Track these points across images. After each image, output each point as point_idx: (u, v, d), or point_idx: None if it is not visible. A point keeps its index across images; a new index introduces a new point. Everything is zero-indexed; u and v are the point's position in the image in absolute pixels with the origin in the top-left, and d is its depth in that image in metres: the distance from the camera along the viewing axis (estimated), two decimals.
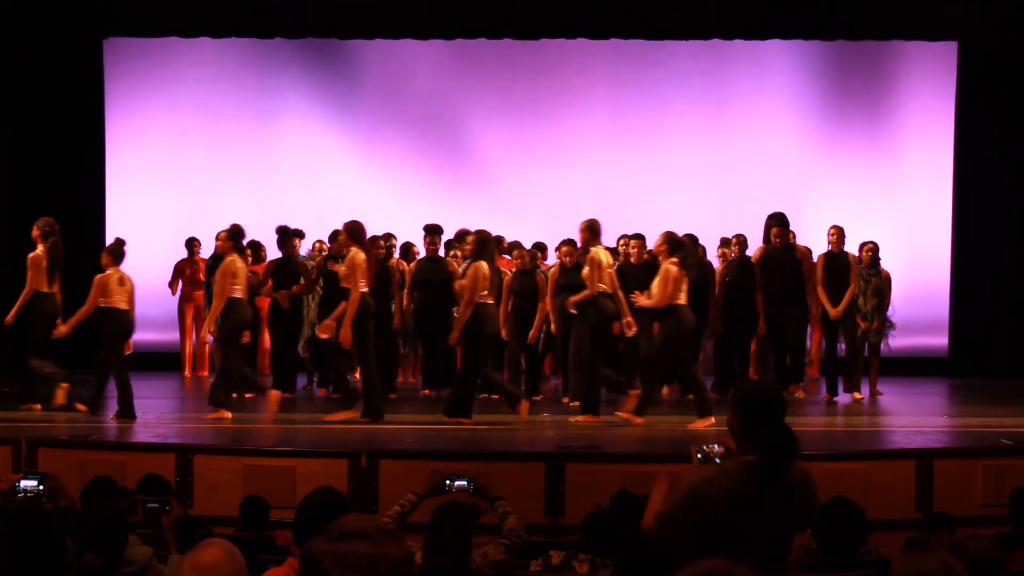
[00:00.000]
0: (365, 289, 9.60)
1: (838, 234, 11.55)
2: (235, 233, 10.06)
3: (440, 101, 14.95)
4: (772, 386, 4.34)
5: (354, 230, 9.77)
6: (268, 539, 5.80)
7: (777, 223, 11.37)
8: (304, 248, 12.21)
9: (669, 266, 9.56)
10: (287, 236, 11.48)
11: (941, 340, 14.57)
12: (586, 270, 9.83)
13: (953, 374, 14.15)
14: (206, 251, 13.55)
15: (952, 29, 14.47)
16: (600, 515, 4.77)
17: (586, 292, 9.70)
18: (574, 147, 14.89)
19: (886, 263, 11.86)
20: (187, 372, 13.65)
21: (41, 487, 5.28)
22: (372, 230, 11.00)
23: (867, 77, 14.87)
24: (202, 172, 14.83)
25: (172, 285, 13.57)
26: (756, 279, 11.36)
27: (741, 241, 11.87)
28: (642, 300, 9.75)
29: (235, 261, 9.84)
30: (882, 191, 14.61)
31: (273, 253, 11.93)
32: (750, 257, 11.68)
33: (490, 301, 9.63)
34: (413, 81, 14.90)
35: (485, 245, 9.66)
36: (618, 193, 14.75)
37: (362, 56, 14.92)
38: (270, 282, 11.38)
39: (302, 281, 11.37)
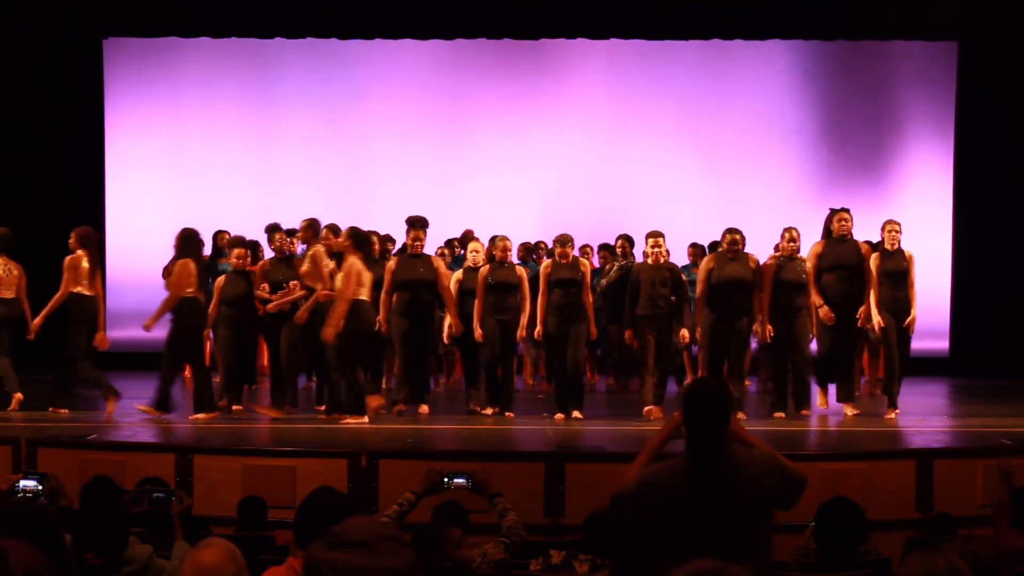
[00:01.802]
0: (85, 291, 9.88)
1: (897, 230, 10.15)
2: (2, 238, 10.15)
3: (440, 101, 14.96)
4: (713, 388, 4.32)
5: (82, 235, 9.98)
6: (268, 539, 5.80)
7: (840, 210, 10.19)
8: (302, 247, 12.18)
9: (353, 261, 9.52)
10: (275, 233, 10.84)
11: (942, 340, 14.57)
12: (306, 267, 9.89)
13: (953, 374, 14.15)
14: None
15: (952, 29, 14.47)
16: (601, 515, 4.76)
17: (319, 292, 9.73)
18: (573, 147, 14.90)
19: None
20: (187, 372, 13.61)
21: (41, 487, 5.28)
22: (369, 229, 10.95)
23: (867, 77, 14.88)
24: (201, 172, 14.85)
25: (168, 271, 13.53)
26: (809, 279, 10.05)
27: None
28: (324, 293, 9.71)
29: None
30: (882, 191, 14.61)
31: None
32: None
33: (198, 296, 9.80)
34: (413, 81, 14.90)
35: (188, 242, 9.81)
36: (617, 193, 14.76)
37: (362, 56, 14.92)
38: (266, 285, 10.45)
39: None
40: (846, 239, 10.12)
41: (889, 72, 14.90)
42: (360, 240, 9.72)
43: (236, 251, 10.43)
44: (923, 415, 10.22)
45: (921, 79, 14.82)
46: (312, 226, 10.09)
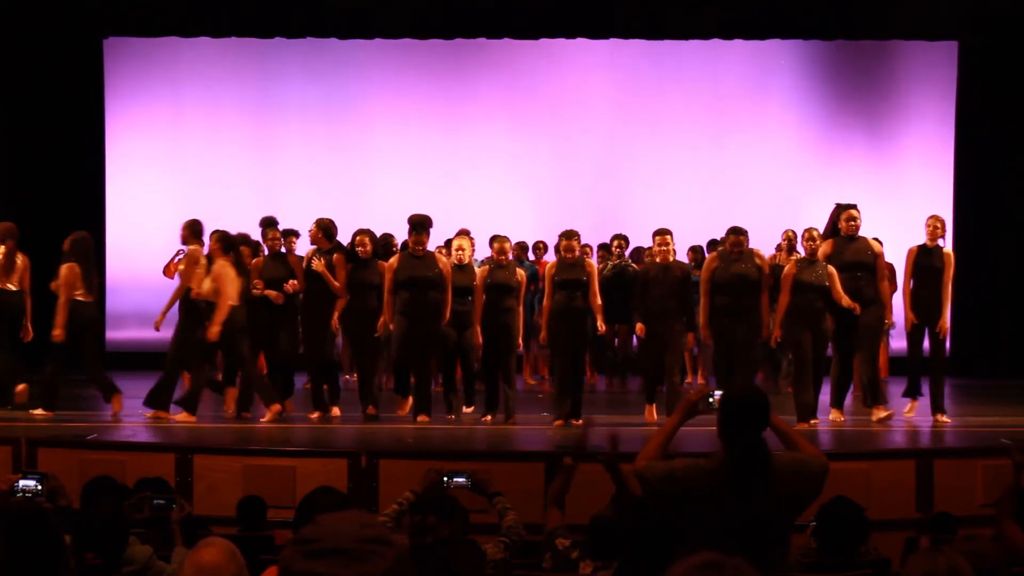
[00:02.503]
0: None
1: (937, 226, 9.79)
2: None
3: (440, 101, 14.96)
4: (756, 393, 4.30)
5: None
6: (268, 539, 5.81)
7: (848, 207, 9.85)
8: (302, 248, 12.12)
9: (223, 264, 9.63)
10: (270, 227, 10.53)
11: None
12: (181, 267, 10.06)
13: (953, 374, 14.12)
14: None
15: (952, 29, 14.47)
16: (605, 519, 4.76)
17: (183, 292, 9.84)
18: (573, 147, 14.90)
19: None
20: (187, 371, 13.58)
21: (40, 487, 5.28)
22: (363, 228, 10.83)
23: (867, 77, 14.89)
24: (202, 171, 14.84)
25: (168, 269, 13.46)
26: (834, 281, 9.60)
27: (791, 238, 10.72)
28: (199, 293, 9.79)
29: None
30: (882, 191, 14.60)
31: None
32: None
33: (88, 299, 9.94)
34: (413, 81, 14.90)
35: (76, 245, 10.00)
36: (617, 193, 14.77)
37: (362, 56, 14.92)
38: (259, 282, 10.10)
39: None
40: (855, 237, 9.83)
41: (889, 72, 14.90)
42: (228, 243, 9.80)
43: None
44: (923, 415, 10.21)
45: (921, 79, 14.82)
46: (190, 227, 10.14)
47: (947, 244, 9.97)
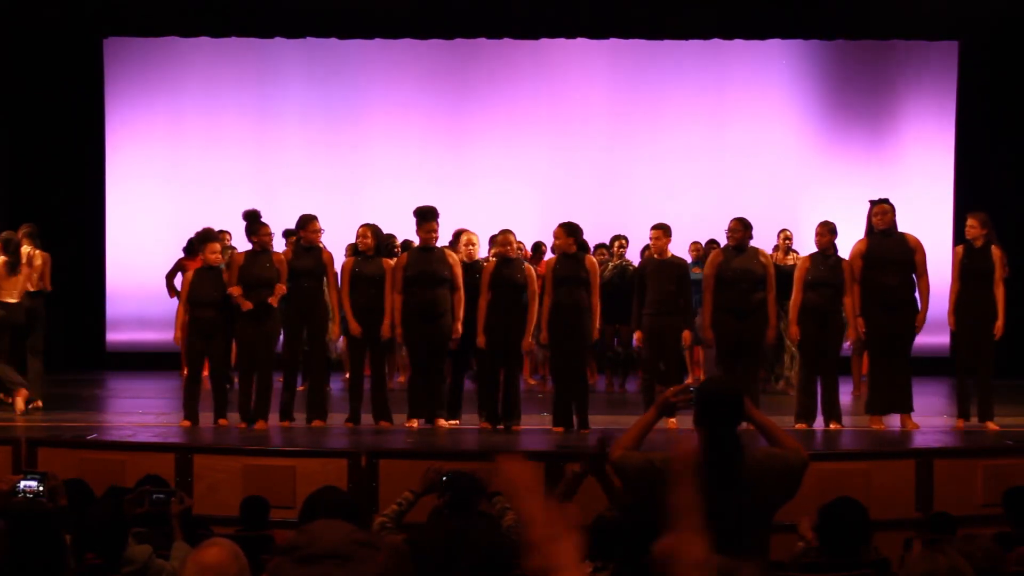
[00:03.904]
0: None
1: (973, 224, 9.39)
2: None
3: (439, 101, 14.96)
4: (730, 387, 4.32)
5: None
6: (268, 539, 5.80)
7: (879, 201, 9.37)
8: None
9: None
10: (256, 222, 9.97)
11: (942, 339, 14.54)
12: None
13: (954, 373, 14.09)
14: None
15: (952, 29, 14.48)
16: (607, 520, 4.76)
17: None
18: (573, 147, 14.89)
19: None
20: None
21: (41, 487, 5.28)
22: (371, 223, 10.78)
23: (867, 77, 14.89)
24: (202, 172, 14.83)
25: (170, 278, 13.44)
26: (846, 278, 9.31)
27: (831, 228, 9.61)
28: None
29: None
30: (882, 191, 14.53)
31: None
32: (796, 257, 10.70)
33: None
34: (413, 81, 14.90)
35: None
36: (617, 193, 14.76)
37: (362, 56, 14.92)
38: (237, 288, 9.46)
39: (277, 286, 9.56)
40: (891, 232, 9.30)
41: (889, 72, 14.90)
42: (4, 245, 10.22)
43: (209, 246, 9.63)
44: (923, 415, 10.20)
45: (921, 79, 14.82)
46: (26, 233, 10.58)
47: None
